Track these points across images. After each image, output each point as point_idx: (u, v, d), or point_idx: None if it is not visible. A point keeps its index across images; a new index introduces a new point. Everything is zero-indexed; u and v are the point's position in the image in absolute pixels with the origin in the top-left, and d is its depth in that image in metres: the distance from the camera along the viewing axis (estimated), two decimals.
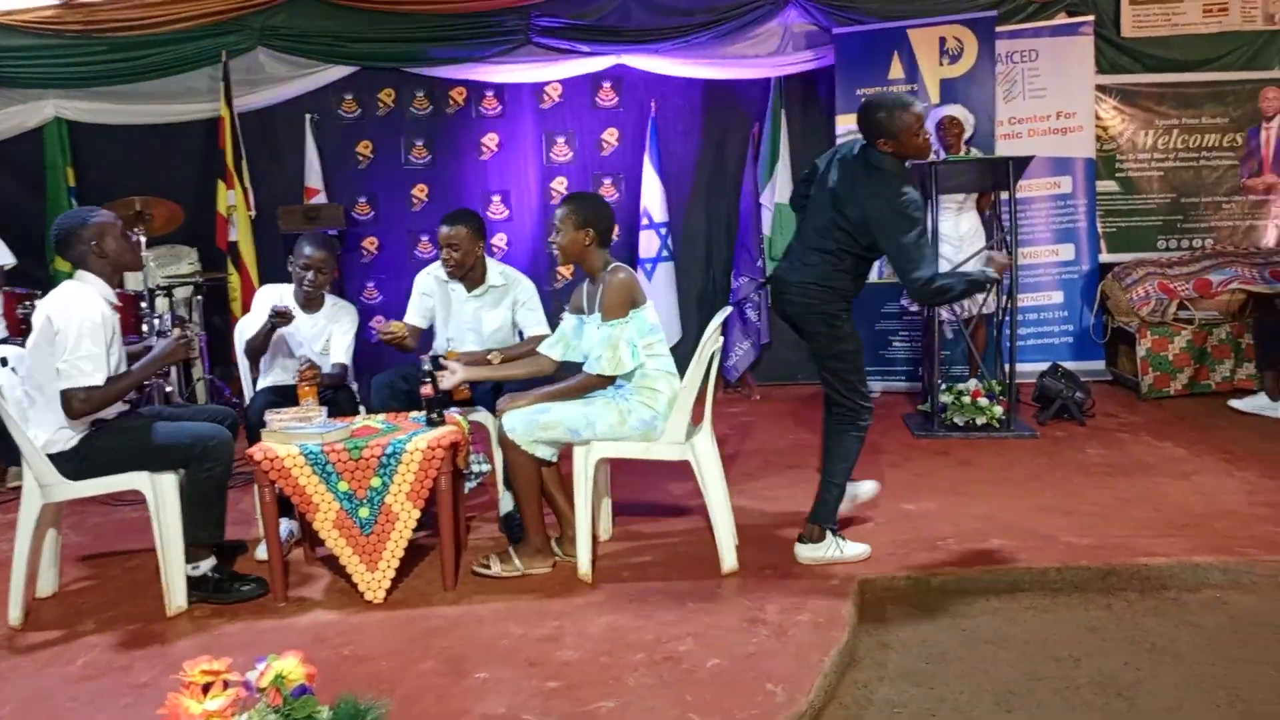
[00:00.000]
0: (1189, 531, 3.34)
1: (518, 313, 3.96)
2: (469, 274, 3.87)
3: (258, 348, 3.72)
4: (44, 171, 5.88)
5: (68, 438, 3.05)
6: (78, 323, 2.96)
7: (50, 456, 3.02)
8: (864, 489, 3.63)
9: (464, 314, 3.94)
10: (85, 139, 6.00)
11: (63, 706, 2.55)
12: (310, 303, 3.84)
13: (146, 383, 4.97)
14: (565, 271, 6.26)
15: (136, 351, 3.47)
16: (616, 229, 6.13)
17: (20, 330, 4.85)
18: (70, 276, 5.56)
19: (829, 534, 3.26)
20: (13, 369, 3.15)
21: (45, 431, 3.04)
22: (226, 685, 2.04)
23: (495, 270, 3.95)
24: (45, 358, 3.00)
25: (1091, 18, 5.72)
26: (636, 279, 3.19)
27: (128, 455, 3.07)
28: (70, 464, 3.04)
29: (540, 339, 3.68)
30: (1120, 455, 4.33)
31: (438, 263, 3.91)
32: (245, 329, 3.81)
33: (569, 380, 3.23)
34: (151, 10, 5.67)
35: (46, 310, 3.02)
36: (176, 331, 3.27)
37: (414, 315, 3.97)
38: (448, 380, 3.27)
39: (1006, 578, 3.11)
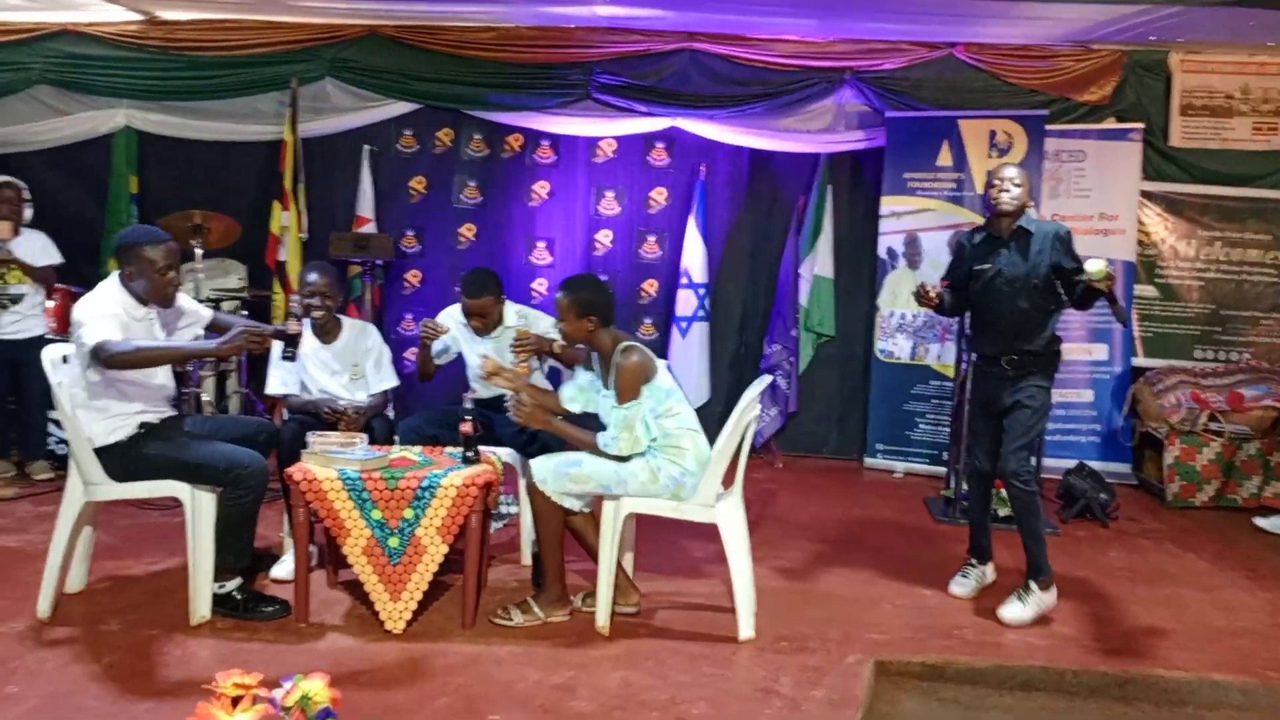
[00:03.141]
0: (1210, 647, 3.33)
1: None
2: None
3: (300, 410, 3.85)
4: (108, 177, 6.04)
5: (111, 432, 3.13)
6: (94, 306, 3.11)
7: (96, 451, 3.10)
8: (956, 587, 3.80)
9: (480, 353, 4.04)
10: (151, 149, 6.17)
11: (85, 705, 2.59)
12: (326, 332, 3.94)
13: (186, 390, 5.09)
14: None
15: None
16: (655, 285, 6.31)
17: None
18: None
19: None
20: (69, 365, 3.24)
21: (95, 427, 3.12)
22: (255, 700, 2.08)
23: (512, 311, 4.03)
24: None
25: (1141, 125, 5.81)
26: (647, 355, 3.19)
27: (166, 466, 3.15)
28: (115, 463, 3.12)
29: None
30: (1142, 562, 4.31)
31: (456, 306, 4.04)
32: (275, 380, 3.95)
33: (589, 435, 3.25)
34: (231, 33, 5.86)
35: (75, 311, 3.14)
36: (241, 324, 3.24)
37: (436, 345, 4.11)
38: (519, 414, 3.25)
39: (1022, 674, 3.09)
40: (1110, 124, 5.90)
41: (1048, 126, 5.72)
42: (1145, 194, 5.92)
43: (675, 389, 3.27)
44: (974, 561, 3.84)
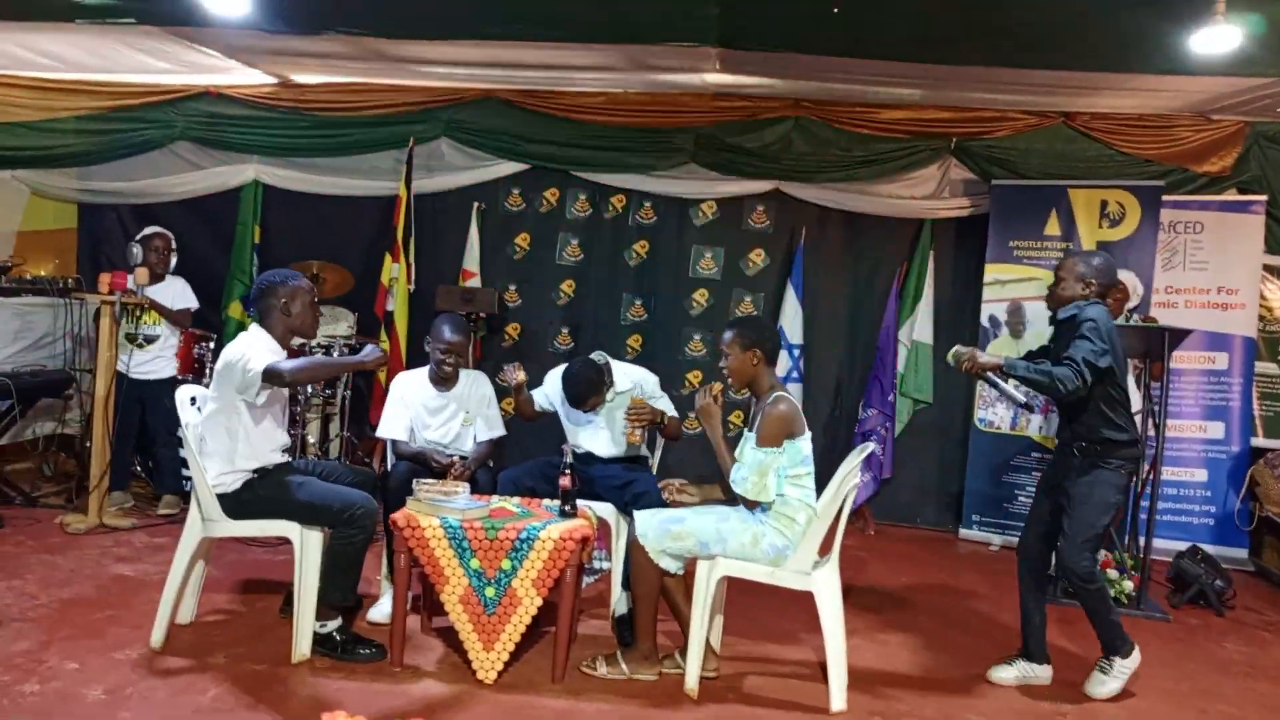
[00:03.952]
0: None
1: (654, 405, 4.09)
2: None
3: (409, 457, 3.97)
4: (235, 227, 6.39)
5: (231, 480, 3.29)
6: (247, 346, 3.30)
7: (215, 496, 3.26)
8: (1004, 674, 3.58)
9: (590, 422, 4.09)
10: (274, 201, 6.52)
11: None
12: (445, 380, 4.06)
13: (293, 433, 5.30)
14: (694, 379, 6.37)
15: None
16: None
17: (193, 369, 5.24)
18: (239, 321, 6.04)
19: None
20: (198, 408, 3.42)
21: (214, 472, 3.28)
22: None
23: (624, 377, 4.07)
24: (219, 401, 3.27)
25: (1264, 197, 5.61)
26: (798, 409, 3.21)
27: (281, 506, 3.29)
28: (233, 502, 3.27)
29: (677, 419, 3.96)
30: (1263, 656, 4.07)
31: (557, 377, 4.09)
32: (389, 423, 4.05)
33: (726, 460, 3.24)
34: (355, 95, 6.20)
35: (226, 354, 3.30)
36: (371, 346, 3.49)
37: (538, 396, 4.21)
38: (701, 400, 3.29)
39: None
40: (1231, 195, 5.72)
41: (1164, 196, 5.57)
42: (1268, 268, 5.70)
43: (810, 460, 3.24)
44: (1022, 653, 3.57)
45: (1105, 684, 3.41)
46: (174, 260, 5.40)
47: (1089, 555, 3.37)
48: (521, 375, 4.05)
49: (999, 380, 3.34)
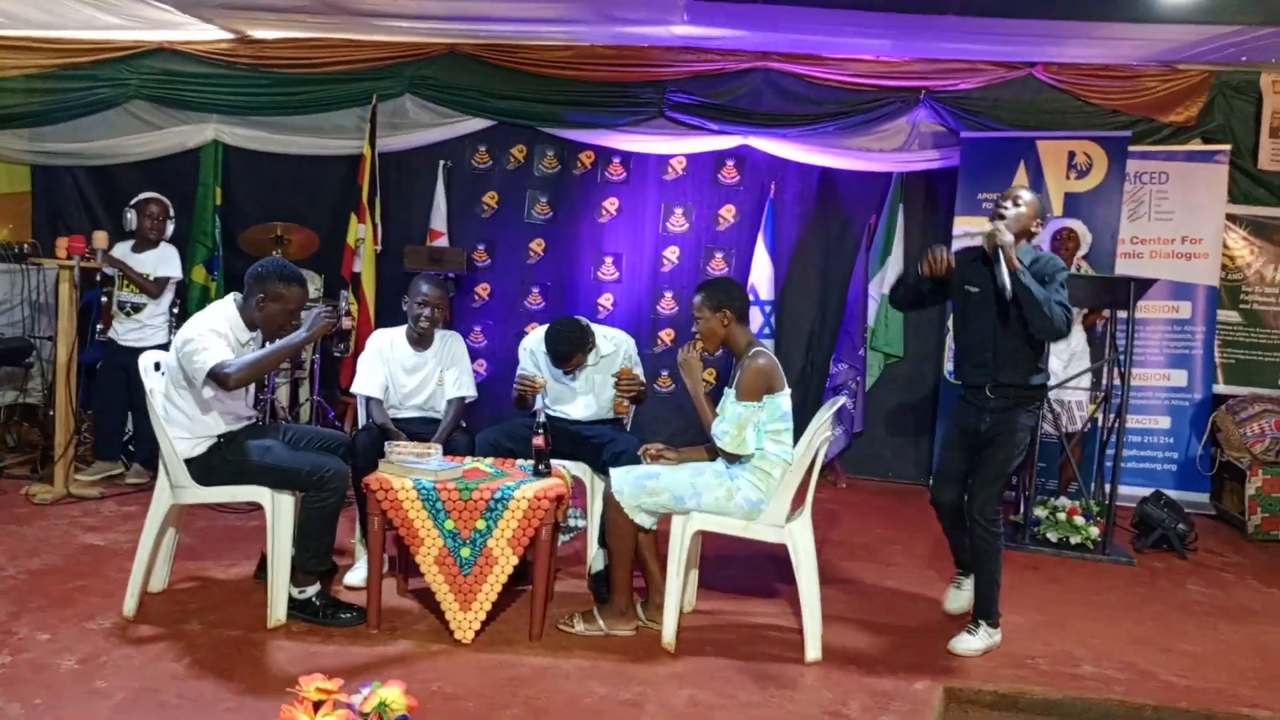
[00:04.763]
0: None
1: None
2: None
3: (382, 426, 3.90)
4: (195, 189, 6.25)
5: (194, 445, 3.24)
6: (208, 327, 3.20)
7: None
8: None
9: (569, 385, 4.06)
10: (236, 162, 6.38)
11: (169, 702, 2.68)
12: (422, 339, 4.02)
13: (262, 397, 5.24)
14: (666, 337, 6.37)
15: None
16: None
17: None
18: (203, 285, 5.91)
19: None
20: (162, 373, 3.37)
21: (179, 436, 3.23)
22: (336, 705, 2.13)
23: (601, 338, 4.02)
24: (180, 368, 3.21)
25: (1228, 147, 5.66)
26: (777, 365, 3.24)
27: (250, 471, 3.24)
28: (201, 468, 3.23)
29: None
30: (1223, 596, 4.18)
31: (538, 336, 4.04)
32: (364, 380, 3.97)
33: (706, 413, 3.27)
34: (316, 51, 6.05)
35: (186, 329, 3.23)
36: (319, 308, 3.37)
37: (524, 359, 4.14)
38: (684, 355, 3.32)
39: (1099, 708, 3.02)
40: (1196, 145, 5.76)
41: (1130, 148, 5.59)
42: (1231, 217, 5.76)
43: (789, 416, 3.26)
44: (963, 572, 3.72)
45: (971, 642, 3.34)
46: (170, 227, 5.26)
47: (998, 498, 3.39)
48: (541, 381, 3.97)
49: (1004, 268, 3.16)
